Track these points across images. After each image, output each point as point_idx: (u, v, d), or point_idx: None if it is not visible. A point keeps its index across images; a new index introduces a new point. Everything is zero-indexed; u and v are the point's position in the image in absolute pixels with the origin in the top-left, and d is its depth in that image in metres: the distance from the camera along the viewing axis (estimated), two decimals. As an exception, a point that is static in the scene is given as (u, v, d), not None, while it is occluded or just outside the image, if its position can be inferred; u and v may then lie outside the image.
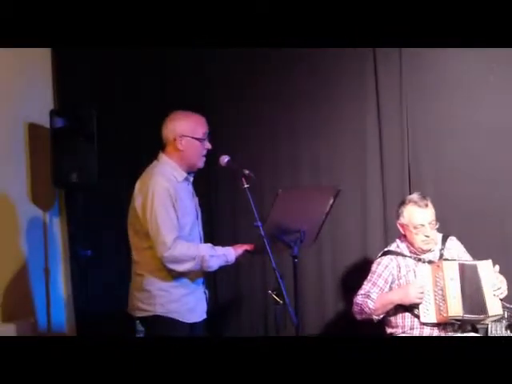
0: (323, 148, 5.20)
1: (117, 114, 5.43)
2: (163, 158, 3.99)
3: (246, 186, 3.77)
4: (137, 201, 3.90)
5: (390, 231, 4.87)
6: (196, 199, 4.13)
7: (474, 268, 4.05)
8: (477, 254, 4.29)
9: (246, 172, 3.80)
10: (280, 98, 5.22)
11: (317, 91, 5.17)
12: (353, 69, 5.12)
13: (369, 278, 4.23)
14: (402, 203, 4.26)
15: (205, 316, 4.06)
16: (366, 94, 5.10)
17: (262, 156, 5.23)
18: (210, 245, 4.00)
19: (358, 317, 4.18)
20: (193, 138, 3.95)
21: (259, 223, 3.66)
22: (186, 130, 3.96)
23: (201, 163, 4.02)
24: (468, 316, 3.95)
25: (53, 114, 5.19)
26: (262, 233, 3.65)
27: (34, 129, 5.29)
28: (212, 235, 4.86)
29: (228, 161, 3.96)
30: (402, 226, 4.26)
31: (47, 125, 5.19)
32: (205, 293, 4.10)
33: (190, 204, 4.02)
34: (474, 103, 4.94)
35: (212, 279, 4.92)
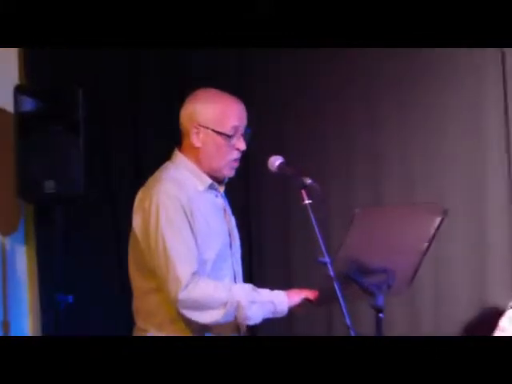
0: (418, 155, 4.62)
1: (112, 98, 4.80)
2: (178, 158, 3.47)
3: (307, 201, 3.23)
4: (136, 219, 3.37)
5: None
6: (231, 220, 3.57)
7: None
8: None
9: (308, 181, 3.24)
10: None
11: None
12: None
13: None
14: None
15: None
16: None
17: (329, 161, 4.72)
18: (250, 286, 3.37)
19: None
20: (214, 131, 3.40)
21: (327, 258, 3.13)
22: (207, 119, 3.42)
23: (227, 170, 3.45)
24: None
25: (18, 91, 4.52)
26: (331, 272, 3.12)
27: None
28: (251, 273, 4.42)
29: (281, 163, 3.40)
30: None
31: (9, 107, 4.53)
32: None
33: (218, 225, 3.45)
34: None
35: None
